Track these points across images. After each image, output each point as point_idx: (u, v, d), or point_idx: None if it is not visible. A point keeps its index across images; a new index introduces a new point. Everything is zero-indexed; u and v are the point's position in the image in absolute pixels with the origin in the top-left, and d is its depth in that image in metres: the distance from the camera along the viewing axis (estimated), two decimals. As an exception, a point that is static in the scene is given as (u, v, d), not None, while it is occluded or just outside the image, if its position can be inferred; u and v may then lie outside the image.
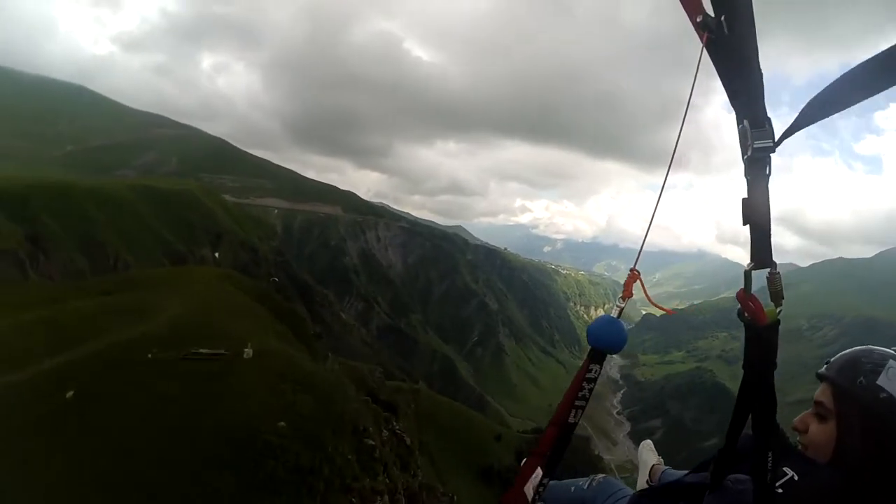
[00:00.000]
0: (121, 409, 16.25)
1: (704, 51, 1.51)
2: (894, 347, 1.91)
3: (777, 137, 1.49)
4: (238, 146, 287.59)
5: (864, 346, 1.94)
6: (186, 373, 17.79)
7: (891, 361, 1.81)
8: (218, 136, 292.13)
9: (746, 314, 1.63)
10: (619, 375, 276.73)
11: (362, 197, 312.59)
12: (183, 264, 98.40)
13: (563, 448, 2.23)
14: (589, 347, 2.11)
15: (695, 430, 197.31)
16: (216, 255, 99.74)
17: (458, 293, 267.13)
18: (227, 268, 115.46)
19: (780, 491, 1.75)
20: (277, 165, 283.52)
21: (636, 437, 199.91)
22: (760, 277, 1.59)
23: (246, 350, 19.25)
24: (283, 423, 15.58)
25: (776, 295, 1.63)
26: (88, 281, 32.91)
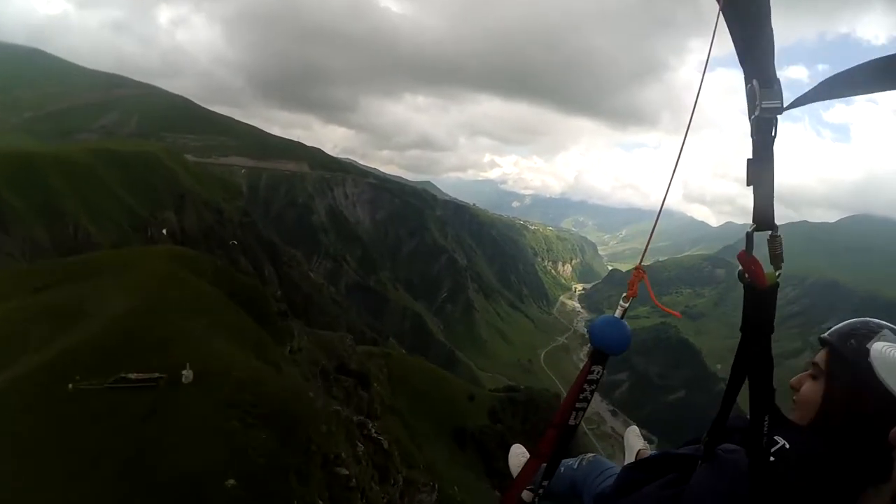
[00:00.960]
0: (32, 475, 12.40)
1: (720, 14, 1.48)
2: None
3: (786, 104, 1.48)
4: (200, 104, 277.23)
5: (863, 318, 1.97)
6: (113, 410, 14.50)
7: (885, 331, 1.85)
8: (180, 93, 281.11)
9: (747, 276, 1.61)
10: (584, 330, 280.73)
11: (329, 153, 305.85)
12: (145, 231, 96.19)
13: (563, 450, 2.24)
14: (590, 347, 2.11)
15: (660, 384, 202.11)
16: (164, 231, 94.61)
17: (427, 249, 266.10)
18: (191, 231, 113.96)
19: (772, 459, 1.78)
20: (241, 122, 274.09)
21: (602, 390, 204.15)
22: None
23: (185, 373, 16.14)
24: (232, 482, 12.58)
25: (776, 258, 1.63)
26: (25, 270, 28.79)
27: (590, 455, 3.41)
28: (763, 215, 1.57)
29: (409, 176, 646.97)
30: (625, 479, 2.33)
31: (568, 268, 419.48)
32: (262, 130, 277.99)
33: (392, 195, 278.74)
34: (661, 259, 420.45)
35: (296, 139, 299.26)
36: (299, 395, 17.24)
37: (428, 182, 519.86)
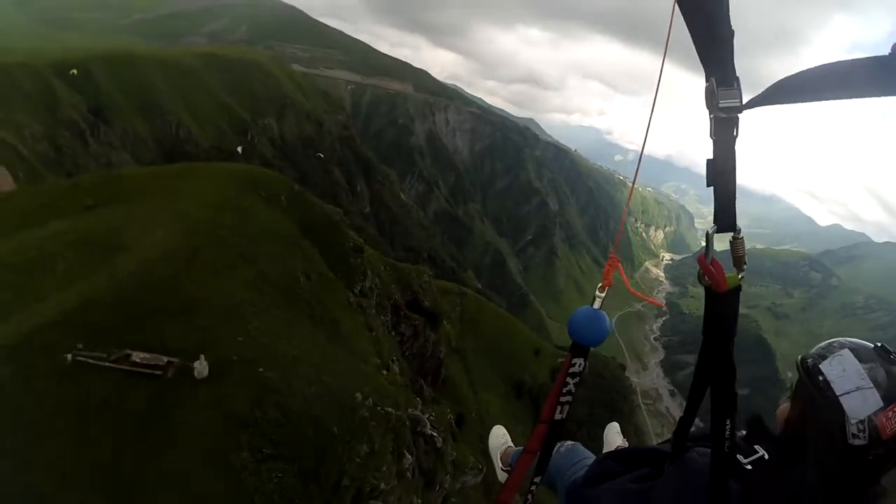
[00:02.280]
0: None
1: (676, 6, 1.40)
2: (879, 343, 1.90)
3: (744, 101, 1.41)
4: (310, 14, 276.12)
5: (839, 338, 1.96)
6: (106, 405, 11.48)
7: (844, 351, 1.85)
8: (289, 3, 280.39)
9: (706, 278, 1.58)
10: (664, 302, 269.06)
11: (435, 77, 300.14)
12: (245, 134, 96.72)
13: (553, 445, 2.30)
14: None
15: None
16: (239, 149, 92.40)
17: (520, 188, 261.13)
18: (290, 139, 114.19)
19: (748, 467, 1.83)
20: (350, 37, 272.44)
21: (667, 367, 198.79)
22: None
23: (197, 365, 12.71)
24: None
25: (738, 260, 1.60)
26: (82, 182, 26.22)
27: (569, 443, 3.43)
28: (724, 217, 1.51)
29: (513, 111, 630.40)
30: (596, 469, 2.41)
31: (660, 234, 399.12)
32: (370, 47, 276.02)
33: (493, 128, 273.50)
34: (757, 246, 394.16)
35: (403, 59, 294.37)
36: (342, 400, 13.88)
37: (531, 120, 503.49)
